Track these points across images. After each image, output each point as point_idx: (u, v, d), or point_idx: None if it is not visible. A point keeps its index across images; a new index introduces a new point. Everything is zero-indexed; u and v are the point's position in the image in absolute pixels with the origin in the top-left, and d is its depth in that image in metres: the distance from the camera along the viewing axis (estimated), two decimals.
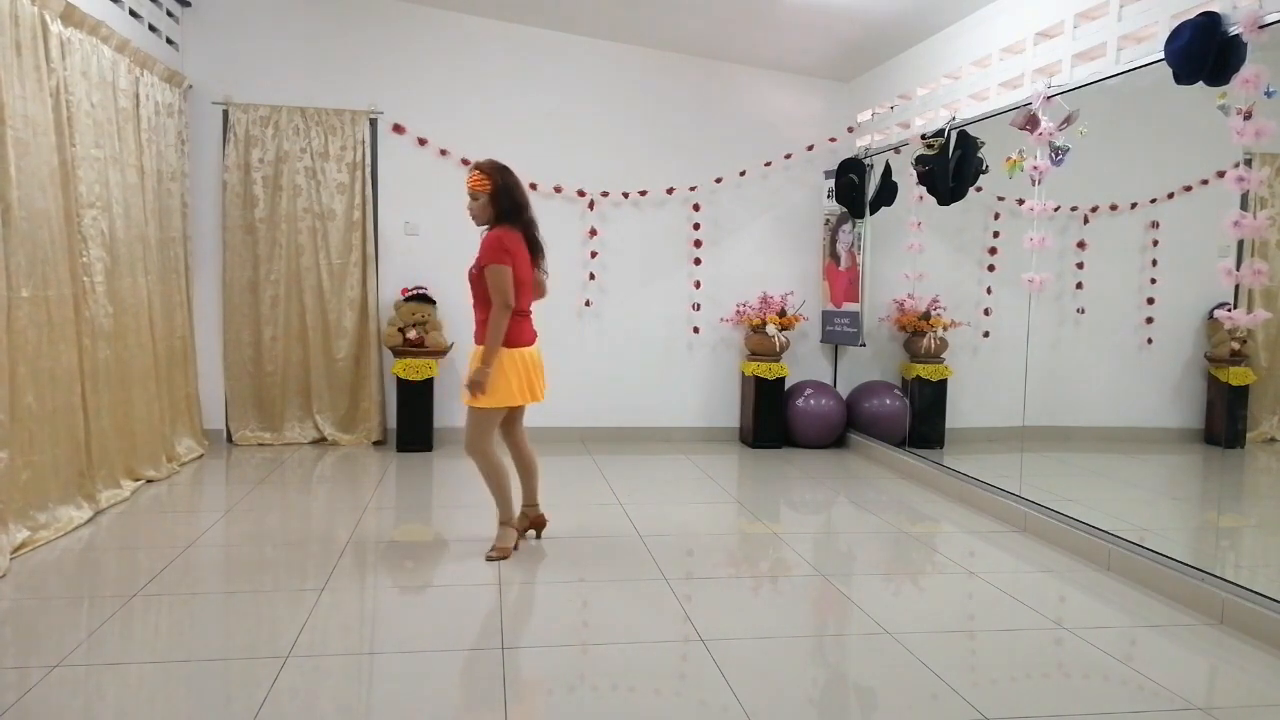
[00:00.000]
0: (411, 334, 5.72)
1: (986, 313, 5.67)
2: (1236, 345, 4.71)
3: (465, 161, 5.84)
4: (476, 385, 3.52)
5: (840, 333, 6.31)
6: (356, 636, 2.92)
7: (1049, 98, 4.11)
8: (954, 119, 5.03)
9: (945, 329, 5.79)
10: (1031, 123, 4.19)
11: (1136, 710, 2.47)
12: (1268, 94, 2.95)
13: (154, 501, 4.46)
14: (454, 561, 3.65)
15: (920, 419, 5.82)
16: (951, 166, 4.93)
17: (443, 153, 5.98)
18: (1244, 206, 3.14)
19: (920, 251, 5.66)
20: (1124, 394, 5.32)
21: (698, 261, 6.37)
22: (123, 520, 4.11)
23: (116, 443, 4.43)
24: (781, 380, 6.21)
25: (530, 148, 5.95)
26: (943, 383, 5.82)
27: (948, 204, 5.08)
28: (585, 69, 6.16)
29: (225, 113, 5.70)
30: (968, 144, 4.86)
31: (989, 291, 5.60)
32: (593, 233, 6.21)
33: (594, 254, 6.21)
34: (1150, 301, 5.05)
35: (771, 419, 6.22)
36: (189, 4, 5.63)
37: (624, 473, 5.34)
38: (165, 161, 5.21)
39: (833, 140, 6.43)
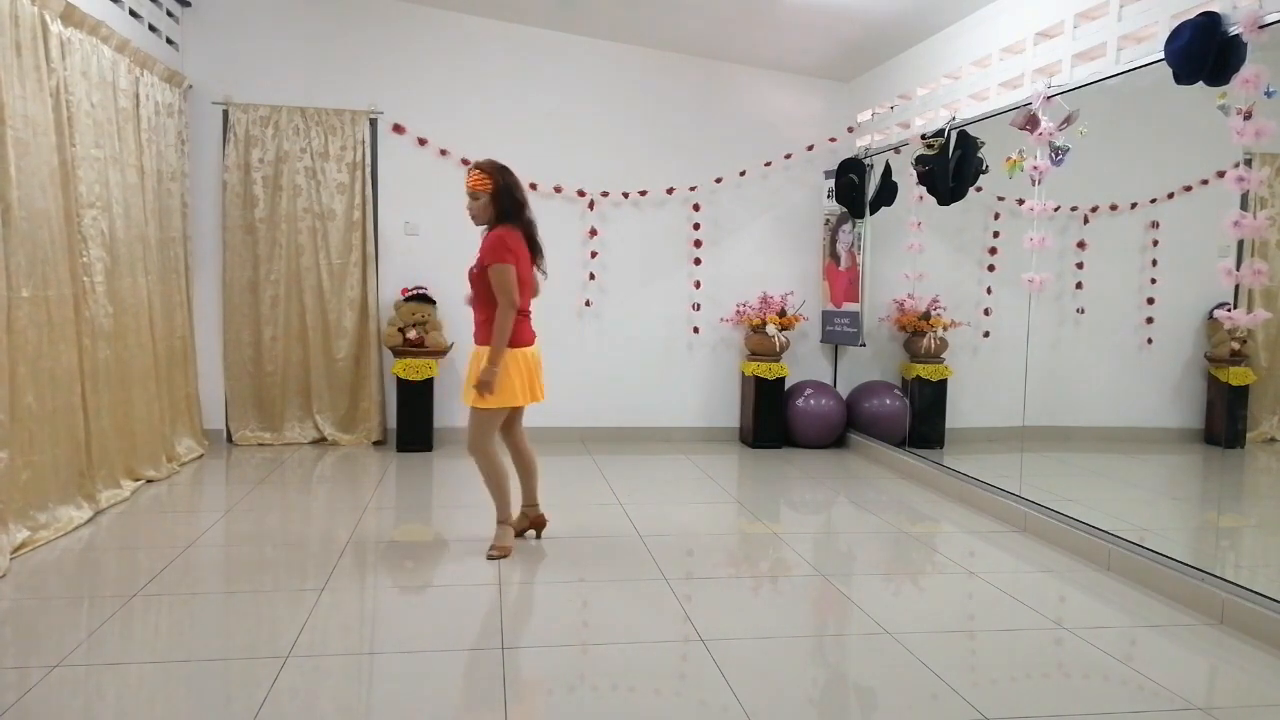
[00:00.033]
0: (411, 334, 5.72)
1: (986, 313, 5.67)
2: (1236, 345, 4.71)
3: (465, 161, 5.84)
4: (485, 385, 3.51)
5: (840, 333, 6.31)
6: (356, 636, 2.92)
7: (1049, 98, 4.11)
8: (954, 119, 5.03)
9: (945, 329, 5.79)
10: (1031, 123, 4.19)
11: (1136, 710, 2.47)
12: (1268, 94, 2.95)
13: (154, 501, 4.46)
14: (454, 561, 3.65)
15: (920, 419, 5.82)
16: (951, 166, 4.93)
17: (443, 153, 5.98)
18: (1244, 206, 3.14)
19: (920, 251, 5.66)
20: (1124, 394, 5.32)
21: (698, 261, 6.37)
22: (123, 520, 4.11)
23: (116, 443, 4.43)
24: (781, 380, 6.21)
25: (530, 148, 5.95)
26: (943, 383, 5.82)
27: (948, 204, 5.08)
28: (585, 69, 6.16)
29: (225, 113, 5.70)
30: (968, 144, 4.86)
31: (989, 291, 5.60)
32: (593, 233, 6.21)
33: (594, 254, 6.21)
34: (1150, 301, 5.05)
35: (771, 419, 6.22)
36: (189, 4, 5.63)
37: (624, 473, 5.34)
38: (165, 161, 5.21)
39: (833, 140, 6.43)
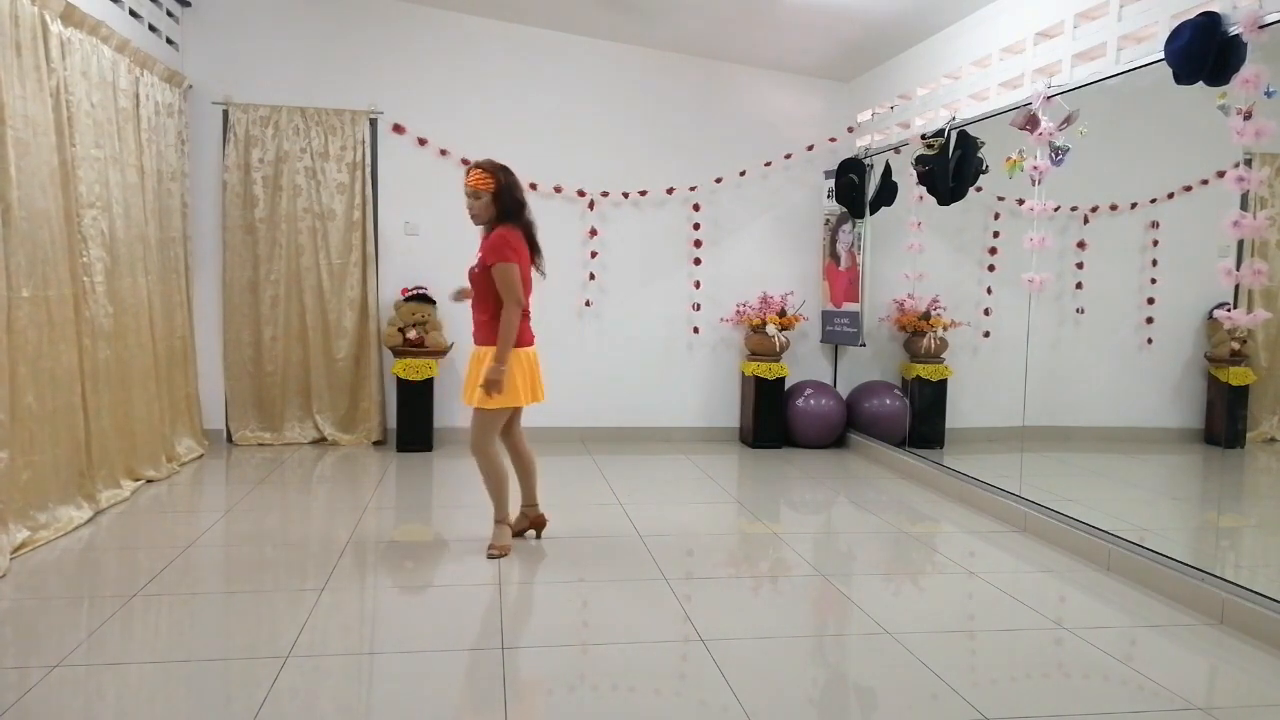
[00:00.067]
0: (411, 334, 5.72)
1: (986, 313, 5.67)
2: (1236, 345, 4.71)
3: (465, 161, 5.84)
4: (494, 384, 3.49)
5: (840, 333, 6.31)
6: (356, 636, 2.92)
7: (1049, 98, 4.11)
8: (954, 119, 5.03)
9: (945, 329, 5.79)
10: (1031, 123, 4.19)
11: (1136, 710, 2.47)
12: (1268, 94, 2.95)
13: (154, 501, 4.46)
14: (454, 561, 3.65)
15: (920, 419, 5.82)
16: (951, 166, 4.93)
17: (443, 153, 5.98)
18: (1244, 206, 3.14)
19: (920, 251, 5.66)
20: (1124, 394, 5.32)
21: (698, 261, 6.37)
22: (123, 520, 4.11)
23: (116, 443, 4.43)
24: (781, 380, 6.21)
25: (530, 148, 5.95)
26: (943, 383, 5.82)
27: (948, 204, 5.08)
28: (585, 69, 6.16)
29: (225, 113, 5.70)
30: (968, 144, 4.86)
31: (989, 291, 5.60)
32: (593, 233, 6.21)
33: (594, 254, 6.21)
34: (1150, 301, 5.05)
35: (771, 419, 6.22)
36: (189, 4, 5.63)
37: (624, 473, 5.34)
38: (165, 161, 5.21)
39: (833, 140, 6.43)
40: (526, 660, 2.74)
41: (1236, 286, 3.26)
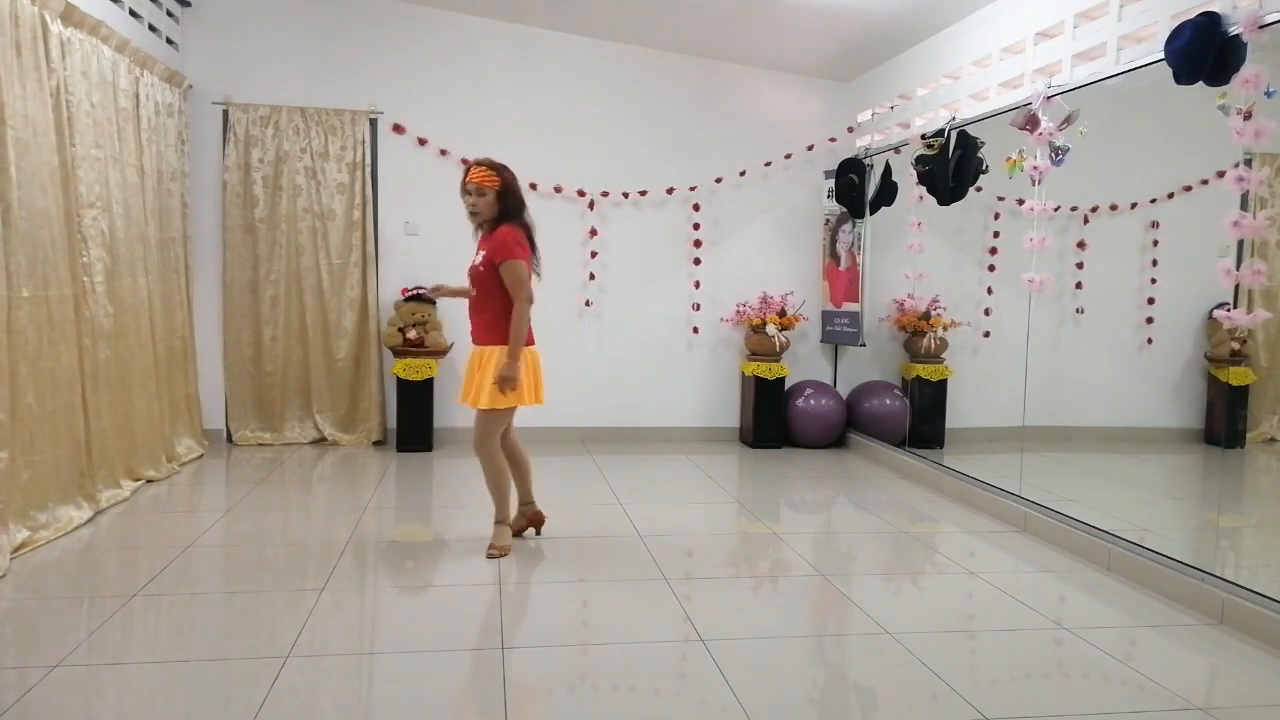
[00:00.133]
0: (411, 334, 5.72)
1: (986, 313, 5.67)
2: (1236, 345, 4.71)
3: (465, 161, 5.83)
4: (508, 381, 3.48)
5: (840, 333, 6.31)
6: (356, 636, 2.92)
7: (1049, 98, 4.11)
8: (954, 119, 5.03)
9: (945, 329, 5.79)
10: (1031, 123, 4.19)
11: (1136, 710, 2.47)
12: (1268, 94, 2.95)
13: (154, 501, 4.46)
14: (454, 561, 3.65)
15: (920, 419, 5.82)
16: (951, 166, 4.93)
17: (443, 153, 5.98)
18: (1244, 206, 3.14)
19: (920, 251, 5.66)
20: (1124, 394, 5.32)
21: (698, 261, 6.37)
22: (123, 520, 4.11)
23: (116, 443, 4.43)
24: (781, 380, 6.21)
25: (530, 148, 5.95)
26: (943, 383, 5.82)
27: (948, 204, 5.08)
28: (585, 69, 6.16)
29: (225, 113, 5.70)
30: (968, 144, 4.86)
31: (989, 291, 5.60)
32: (593, 233, 6.21)
33: (594, 254, 6.21)
34: (1150, 301, 5.05)
35: (771, 419, 6.22)
36: (189, 4, 5.63)
37: (624, 473, 5.34)
38: (165, 161, 5.21)
39: (833, 140, 6.43)
40: (526, 660, 2.74)
41: (1236, 286, 3.26)
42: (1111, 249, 5.16)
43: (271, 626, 2.92)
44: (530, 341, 3.66)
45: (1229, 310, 3.18)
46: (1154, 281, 5.03)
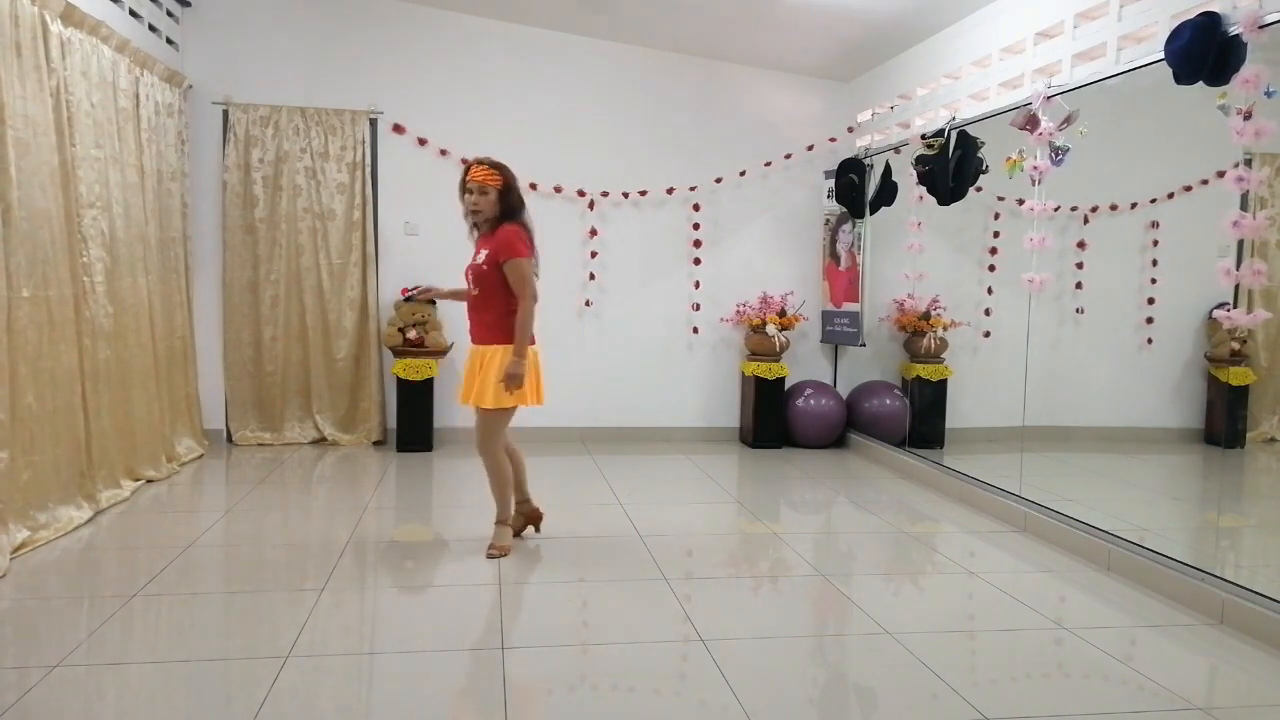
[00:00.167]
0: (411, 334, 5.72)
1: (987, 313, 5.67)
2: (1236, 345, 4.71)
3: (465, 161, 5.83)
4: (515, 379, 3.47)
5: (840, 333, 6.31)
6: (356, 636, 2.92)
7: (1049, 98, 4.11)
8: (954, 119, 5.03)
9: (945, 329, 5.79)
10: (1031, 123, 4.19)
11: (1136, 710, 2.47)
12: (1268, 94, 2.95)
13: (154, 501, 4.46)
14: (454, 561, 3.65)
15: (920, 419, 5.82)
16: (951, 166, 4.93)
17: (443, 153, 5.98)
18: (1244, 206, 3.14)
19: (920, 251, 5.66)
20: (1124, 394, 5.32)
21: (698, 261, 6.37)
22: (123, 520, 4.11)
23: (116, 443, 4.43)
24: (781, 380, 6.21)
25: (530, 148, 5.95)
26: (943, 383, 5.82)
27: (948, 204, 5.08)
28: (585, 69, 6.16)
29: (225, 113, 5.70)
30: (968, 144, 4.86)
31: (989, 291, 5.60)
32: (593, 233, 6.21)
33: (594, 254, 6.21)
34: (1150, 301, 5.05)
35: (771, 419, 6.22)
36: (189, 4, 5.63)
37: (624, 473, 5.34)
38: (165, 161, 5.21)
39: (833, 140, 6.43)
40: (526, 660, 2.73)
41: (1236, 286, 3.26)
42: (1111, 249, 5.16)
43: (271, 626, 2.92)
44: (531, 341, 3.66)
45: (1229, 310, 3.18)
46: (1154, 281, 5.03)
